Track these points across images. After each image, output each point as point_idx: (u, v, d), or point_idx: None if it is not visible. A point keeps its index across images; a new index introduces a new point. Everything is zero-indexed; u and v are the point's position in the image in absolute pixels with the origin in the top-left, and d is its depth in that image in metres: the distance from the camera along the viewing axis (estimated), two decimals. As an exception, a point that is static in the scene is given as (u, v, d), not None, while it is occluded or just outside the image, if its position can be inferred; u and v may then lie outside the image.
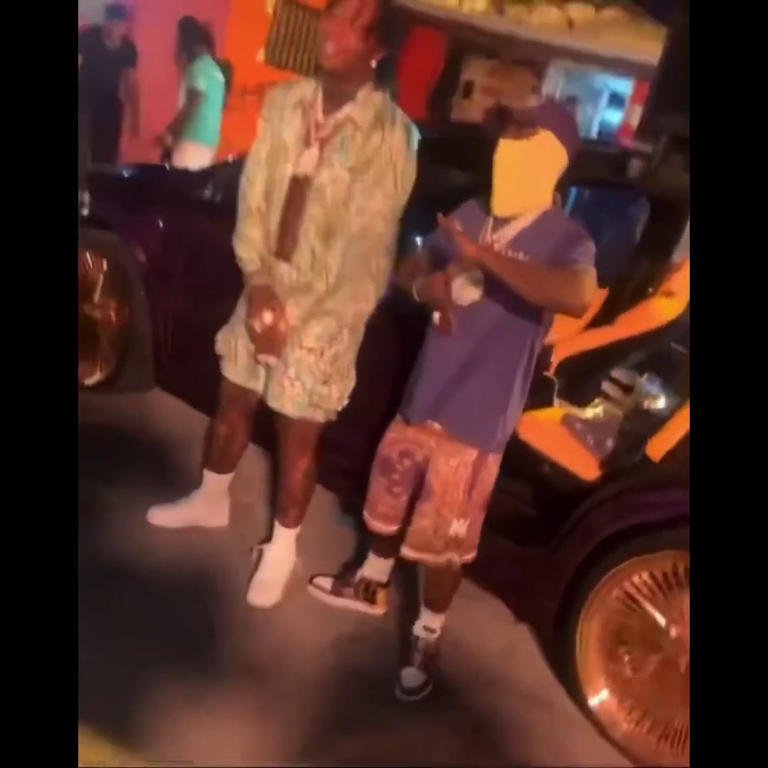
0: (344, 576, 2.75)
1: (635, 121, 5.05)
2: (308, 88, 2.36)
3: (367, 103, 2.31)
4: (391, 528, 2.48)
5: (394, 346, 2.68)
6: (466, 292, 2.19)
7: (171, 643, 2.35)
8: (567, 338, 3.20)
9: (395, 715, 2.34)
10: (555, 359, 3.11)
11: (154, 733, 2.06)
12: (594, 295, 2.04)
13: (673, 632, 2.33)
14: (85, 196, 3.70)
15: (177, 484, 2.98)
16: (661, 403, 2.80)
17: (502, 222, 2.20)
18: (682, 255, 3.05)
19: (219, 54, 6.35)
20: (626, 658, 2.43)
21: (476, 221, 2.23)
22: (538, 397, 2.97)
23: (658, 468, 2.44)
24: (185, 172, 4.09)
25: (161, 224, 3.44)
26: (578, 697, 2.49)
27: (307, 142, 2.35)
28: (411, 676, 2.44)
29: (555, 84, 9.23)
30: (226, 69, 6.21)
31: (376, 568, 2.69)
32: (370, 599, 2.70)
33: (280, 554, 2.68)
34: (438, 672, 2.50)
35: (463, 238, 1.99)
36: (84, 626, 2.25)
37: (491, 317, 2.18)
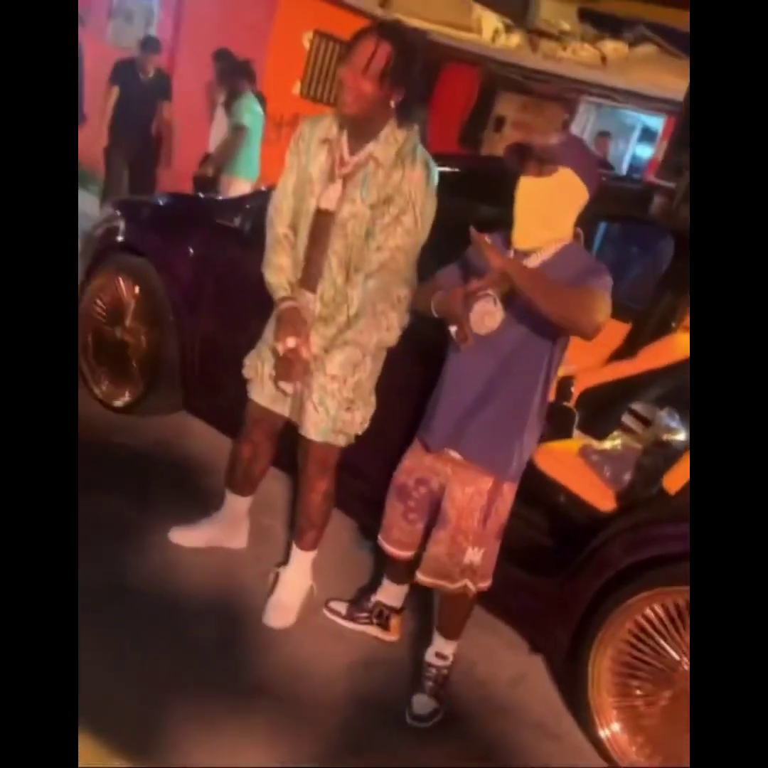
0: (359, 601, 2.78)
1: (664, 157, 5.09)
2: (334, 125, 2.43)
3: (389, 141, 2.37)
4: (406, 553, 2.51)
5: (415, 372, 2.72)
6: (485, 321, 2.23)
7: (186, 661, 2.39)
8: (588, 370, 3.22)
9: (405, 741, 2.35)
10: (576, 390, 3.14)
11: (166, 748, 2.09)
12: (607, 319, 2.08)
13: (686, 668, 2.32)
14: (120, 223, 3.82)
15: (199, 505, 3.03)
16: (680, 436, 2.81)
17: (522, 254, 2.25)
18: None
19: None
20: (638, 692, 2.42)
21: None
22: (558, 427, 3.00)
23: (675, 501, 2.44)
24: (217, 201, 4.19)
25: (192, 251, 3.52)
26: (589, 730, 2.48)
27: (331, 178, 2.42)
28: (422, 702, 2.45)
29: (586, 119, 9.29)
30: (261, 102, 6.36)
31: (390, 593, 2.71)
32: (384, 625, 2.72)
33: (296, 577, 2.72)
34: (449, 699, 2.51)
35: (490, 249, 2.07)
36: (102, 642, 2.32)
37: (508, 344, 2.23)
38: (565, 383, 3.15)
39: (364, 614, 2.73)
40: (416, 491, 2.44)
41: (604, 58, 9.87)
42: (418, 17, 9.40)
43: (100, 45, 9.26)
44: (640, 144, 10.34)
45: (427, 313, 2.32)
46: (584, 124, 9.28)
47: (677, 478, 2.46)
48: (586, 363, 3.22)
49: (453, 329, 2.24)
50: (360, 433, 2.60)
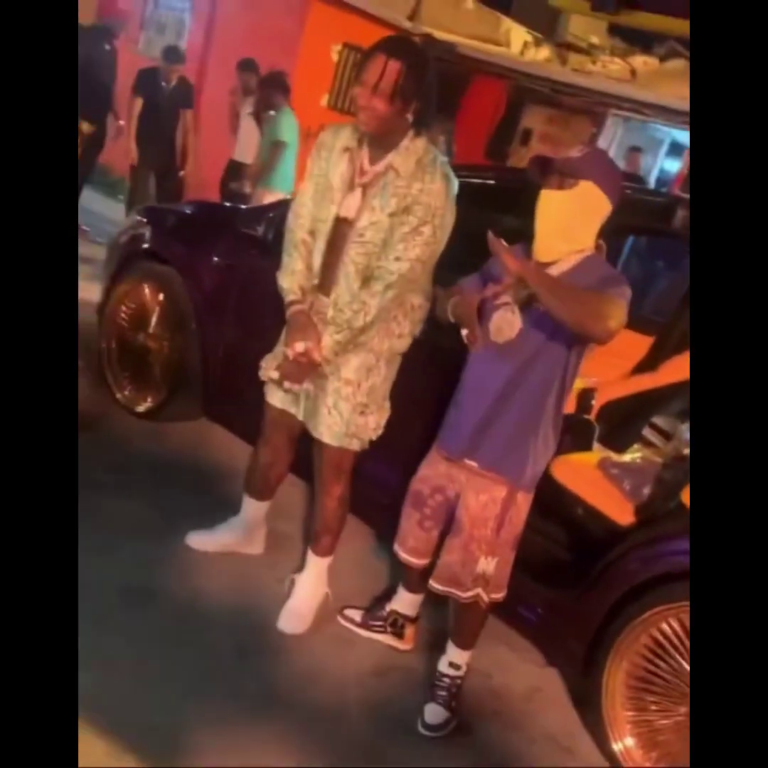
0: (374, 609, 2.78)
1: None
2: (355, 134, 2.45)
3: (408, 151, 2.39)
4: (421, 562, 2.51)
5: (434, 382, 2.73)
6: (503, 330, 2.26)
7: (201, 665, 2.41)
8: (610, 382, 3.21)
9: (416, 751, 2.35)
10: (597, 403, 3.13)
11: (178, 750, 2.10)
12: (621, 326, 2.07)
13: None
14: (145, 231, 3.87)
15: (217, 510, 3.05)
16: (701, 450, 2.78)
17: (544, 265, 2.26)
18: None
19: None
20: (653, 707, 2.40)
21: None
22: (578, 440, 2.98)
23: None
24: (241, 210, 4.23)
25: (216, 259, 3.56)
26: (603, 744, 2.46)
27: (351, 186, 2.44)
28: (435, 712, 2.44)
29: (614, 133, 9.27)
30: (290, 114, 6.41)
31: (405, 602, 2.71)
32: (398, 633, 2.72)
33: (312, 583, 2.73)
34: (462, 710, 2.50)
35: (506, 252, 2.08)
36: (119, 644, 2.35)
37: (524, 354, 2.24)
38: (586, 396, 3.13)
39: (379, 622, 2.73)
40: (432, 499, 2.44)
41: (633, 72, 9.85)
42: (447, 31, 9.46)
43: (133, 55, 9.42)
44: (668, 158, 10.30)
45: (445, 319, 2.33)
46: (612, 137, 9.25)
47: (696, 492, 2.44)
48: (609, 376, 3.21)
49: (464, 333, 2.27)
50: (374, 438, 2.61)
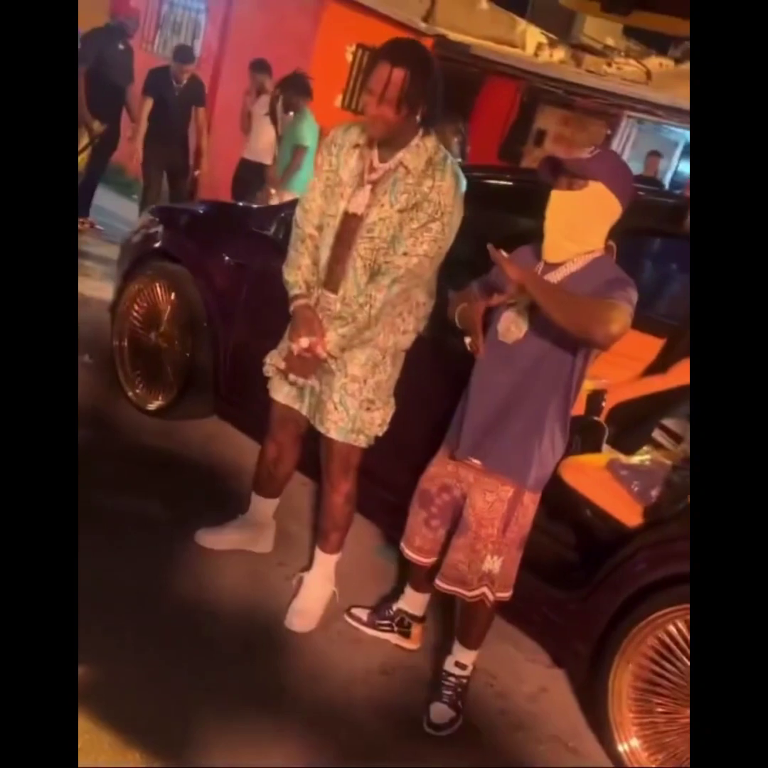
0: (381, 608, 2.78)
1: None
2: (366, 132, 2.46)
3: (419, 150, 2.41)
4: (428, 560, 2.52)
5: (443, 383, 2.73)
6: (511, 330, 2.29)
7: (208, 661, 2.42)
8: (620, 384, 3.20)
9: (420, 749, 2.35)
10: (607, 405, 3.12)
11: (184, 748, 2.12)
12: (623, 330, 2.06)
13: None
14: (157, 230, 3.89)
15: (227, 508, 3.06)
16: (711, 453, 2.78)
17: (552, 266, 2.26)
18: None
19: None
20: (660, 709, 2.39)
21: (527, 265, 2.29)
22: (587, 441, 2.98)
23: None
24: (252, 209, 4.24)
25: (227, 259, 3.58)
26: (608, 745, 2.45)
27: (360, 183, 2.45)
28: (440, 711, 2.44)
29: (628, 135, 9.24)
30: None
31: (412, 601, 2.72)
32: (405, 633, 2.72)
33: (320, 581, 2.74)
34: (468, 710, 2.50)
35: (507, 262, 2.11)
36: (124, 639, 2.36)
37: (531, 355, 2.25)
38: (596, 397, 3.14)
39: (386, 621, 2.74)
40: (439, 498, 2.45)
41: (649, 74, 9.82)
42: (461, 32, 9.46)
43: (149, 55, 9.47)
44: (682, 160, 10.25)
45: (455, 326, 2.36)
46: (626, 139, 9.22)
47: (705, 494, 2.43)
48: (619, 378, 3.20)
49: (467, 340, 2.31)
50: (380, 434, 2.62)
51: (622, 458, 2.90)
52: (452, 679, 2.50)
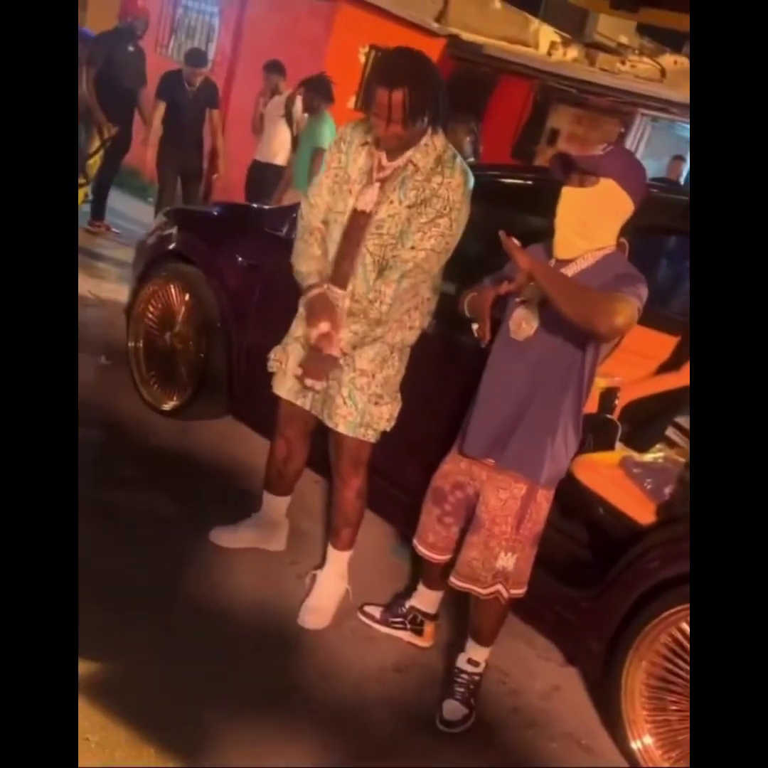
0: (393, 606, 2.79)
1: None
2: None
3: (428, 148, 2.43)
4: (441, 557, 2.53)
5: (456, 380, 2.74)
6: (522, 326, 2.30)
7: (221, 659, 2.44)
8: (634, 382, 3.20)
9: (433, 747, 2.36)
10: (620, 402, 3.12)
11: (196, 746, 2.13)
12: (628, 324, 2.07)
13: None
14: (172, 232, 3.92)
15: (241, 507, 3.08)
16: (724, 450, 2.77)
17: (563, 263, 2.27)
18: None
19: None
20: (673, 706, 2.38)
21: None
22: (601, 439, 2.98)
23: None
24: (265, 210, 4.26)
25: (240, 260, 3.60)
26: (622, 743, 2.45)
27: (369, 180, 2.48)
28: (453, 708, 2.45)
29: (643, 132, 9.19)
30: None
31: (425, 599, 2.72)
32: (418, 630, 2.73)
33: (333, 579, 2.76)
34: (481, 708, 2.51)
35: (517, 249, 2.12)
36: (139, 636, 2.39)
37: (541, 351, 2.26)
38: (610, 395, 3.13)
39: (399, 619, 2.75)
40: (452, 495, 2.46)
41: (663, 72, 9.79)
42: (474, 32, 9.46)
43: (164, 59, 9.53)
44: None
45: (462, 314, 2.39)
46: (640, 137, 9.18)
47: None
48: (633, 375, 3.20)
49: (475, 327, 2.33)
50: (387, 429, 2.63)
51: (636, 456, 2.90)
52: (465, 676, 2.50)
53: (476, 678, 2.51)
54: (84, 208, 6.92)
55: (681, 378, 3.11)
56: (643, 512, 2.69)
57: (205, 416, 3.81)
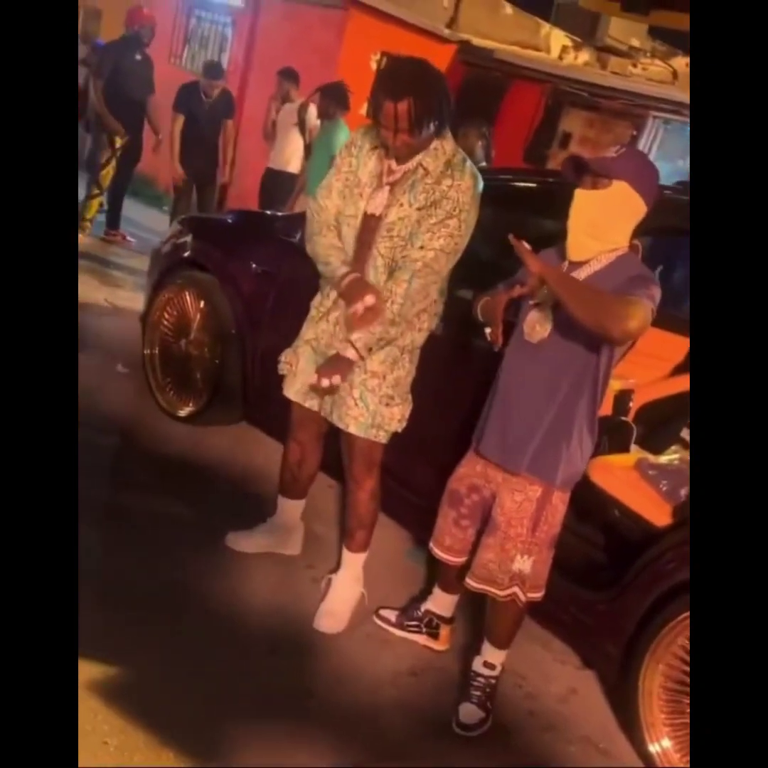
0: (409, 609, 2.79)
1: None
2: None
3: (438, 152, 2.46)
4: (457, 560, 2.53)
5: (470, 384, 2.75)
6: (536, 329, 2.31)
7: (237, 663, 2.45)
8: (648, 384, 3.19)
9: (449, 750, 2.36)
10: (635, 404, 3.11)
11: (211, 747, 2.14)
12: (641, 327, 2.07)
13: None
14: (187, 240, 3.95)
15: (256, 512, 3.10)
16: (739, 452, 2.75)
17: (576, 265, 2.27)
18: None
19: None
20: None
21: (552, 264, 2.30)
22: (616, 441, 2.97)
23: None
24: (278, 217, 4.29)
25: (254, 266, 3.62)
26: (639, 746, 2.44)
27: (379, 184, 2.50)
28: (469, 712, 2.45)
29: (655, 135, 9.16)
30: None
31: (441, 602, 2.72)
32: (434, 634, 2.73)
33: (348, 582, 2.76)
34: (497, 711, 2.50)
35: (528, 254, 2.13)
36: (155, 639, 2.40)
37: (555, 354, 2.26)
38: (624, 397, 3.12)
39: (414, 623, 2.75)
40: (468, 498, 2.46)
41: (675, 74, 9.76)
42: (485, 37, 9.47)
43: (177, 70, 9.60)
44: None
45: (476, 318, 2.40)
46: (652, 139, 9.15)
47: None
48: (647, 377, 3.19)
49: (488, 331, 2.35)
50: (398, 430, 2.64)
51: (651, 458, 2.89)
52: (481, 679, 2.50)
53: (493, 681, 2.51)
54: (99, 218, 6.98)
55: (695, 380, 3.10)
56: (658, 514, 2.68)
57: (220, 422, 3.83)
